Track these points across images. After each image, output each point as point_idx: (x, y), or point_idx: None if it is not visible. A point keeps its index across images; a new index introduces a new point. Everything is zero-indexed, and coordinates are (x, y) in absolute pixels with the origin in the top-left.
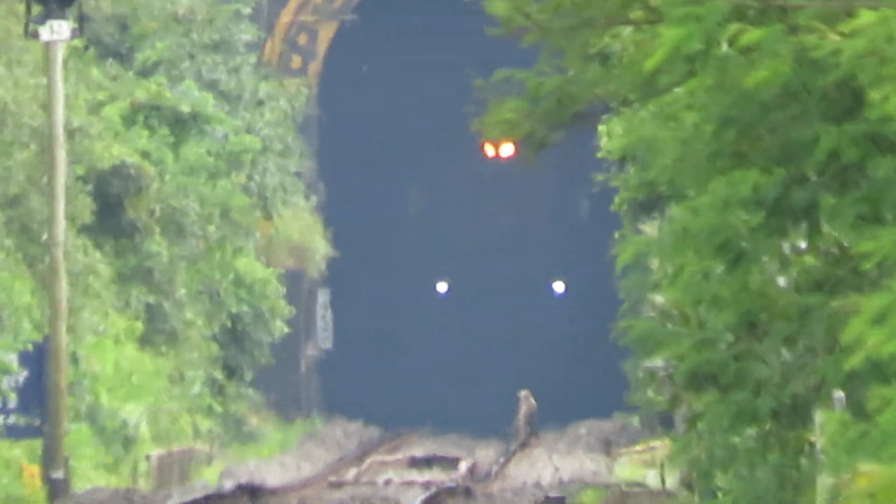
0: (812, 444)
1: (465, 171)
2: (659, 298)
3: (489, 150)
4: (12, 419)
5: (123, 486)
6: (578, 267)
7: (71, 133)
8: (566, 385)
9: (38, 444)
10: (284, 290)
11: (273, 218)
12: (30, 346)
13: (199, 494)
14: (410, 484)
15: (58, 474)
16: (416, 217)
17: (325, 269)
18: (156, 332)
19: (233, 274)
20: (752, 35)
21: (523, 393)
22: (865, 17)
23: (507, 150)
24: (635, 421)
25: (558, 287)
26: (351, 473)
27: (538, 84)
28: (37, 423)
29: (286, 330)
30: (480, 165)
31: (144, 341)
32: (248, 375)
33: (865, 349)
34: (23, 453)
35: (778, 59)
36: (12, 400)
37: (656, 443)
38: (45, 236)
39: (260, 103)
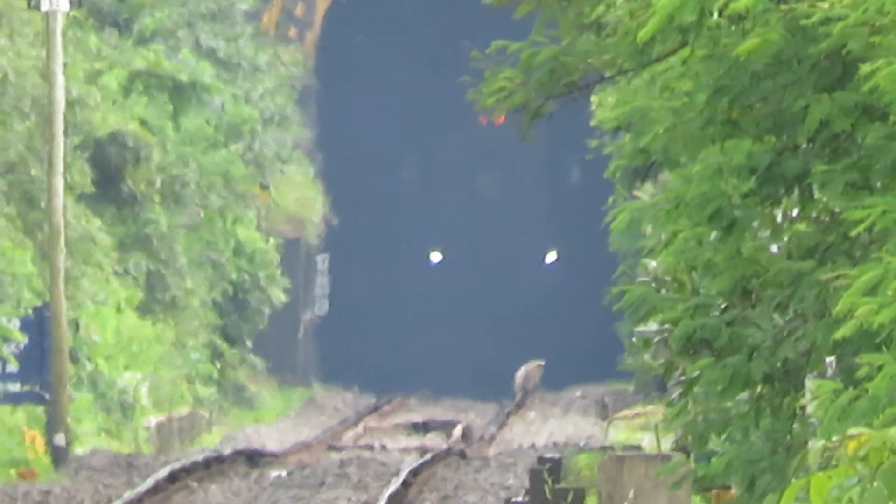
0: (804, 409)
1: (460, 140)
2: (652, 263)
3: (483, 120)
4: (13, 385)
5: (126, 451)
6: (570, 234)
7: (70, 103)
8: (560, 351)
9: (39, 409)
10: (283, 257)
11: (270, 187)
12: (30, 313)
13: (198, 458)
14: (406, 448)
15: (59, 440)
16: (409, 186)
17: (323, 236)
18: (156, 299)
19: (233, 242)
20: (741, 3)
21: (534, 363)
22: None
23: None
24: (629, 386)
25: (550, 255)
26: (348, 438)
27: (532, 54)
28: (37, 389)
29: (284, 299)
30: (475, 135)
31: (144, 309)
32: (248, 342)
33: (857, 318)
34: (24, 419)
35: (768, 28)
36: (13, 366)
37: (651, 407)
38: (44, 204)
39: (258, 70)
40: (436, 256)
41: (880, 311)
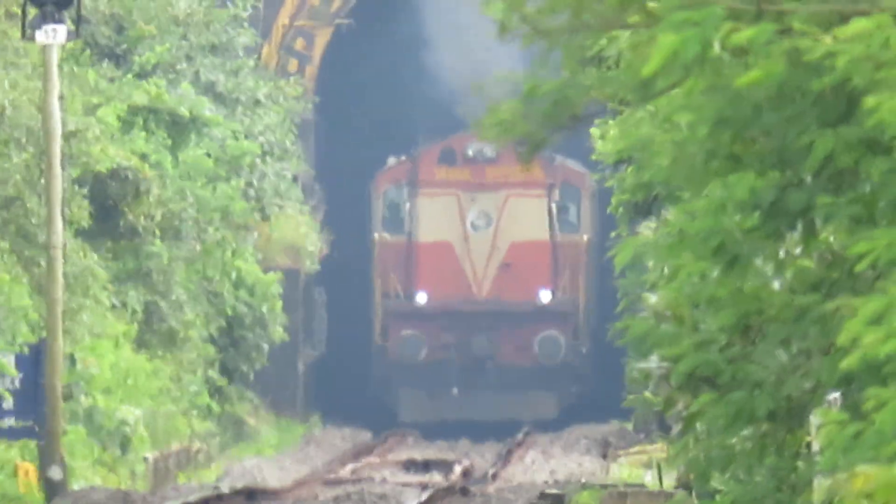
0: (809, 446)
1: (456, 175)
2: (653, 299)
3: (477, 153)
4: (8, 421)
5: (122, 486)
6: (568, 273)
7: (67, 136)
8: (561, 389)
9: (33, 445)
10: (282, 292)
11: (269, 220)
12: (25, 349)
13: (196, 495)
14: (406, 485)
15: (55, 474)
16: (402, 220)
17: (322, 270)
18: (153, 333)
19: (235, 274)
20: (743, 35)
21: None
22: (860, 23)
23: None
24: (629, 425)
25: (545, 293)
26: (346, 473)
27: (534, 86)
28: (32, 424)
29: (284, 336)
30: (469, 169)
31: (141, 343)
32: (246, 377)
33: (862, 349)
34: (18, 454)
35: (771, 60)
36: (8, 402)
37: (653, 445)
38: (42, 238)
39: (257, 103)
40: (421, 297)
41: (887, 341)
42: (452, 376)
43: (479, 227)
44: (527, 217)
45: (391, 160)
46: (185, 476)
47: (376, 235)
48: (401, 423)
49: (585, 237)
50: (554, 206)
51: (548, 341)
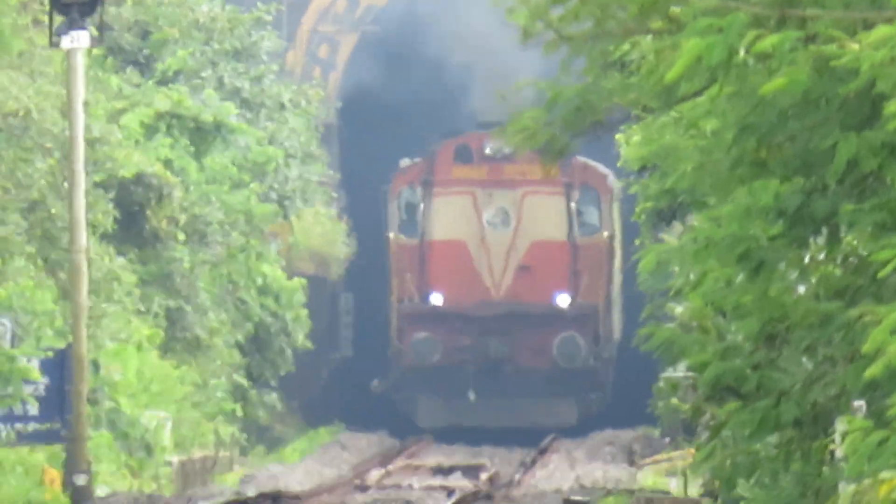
0: (833, 453)
1: (472, 174)
2: (678, 308)
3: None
4: (34, 426)
5: (146, 490)
6: (587, 276)
7: (91, 141)
8: (580, 395)
9: (59, 450)
10: (307, 298)
11: (290, 222)
12: (51, 354)
13: (221, 500)
14: (432, 489)
15: (80, 480)
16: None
17: (348, 275)
18: (178, 338)
19: (261, 279)
20: (768, 41)
21: None
22: (884, 29)
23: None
24: (656, 432)
25: (562, 297)
26: (372, 479)
27: (557, 92)
28: (58, 429)
29: (308, 344)
30: (488, 167)
31: (166, 348)
32: (271, 382)
33: (886, 357)
34: (44, 459)
35: (796, 67)
36: (34, 407)
37: (679, 452)
38: (66, 243)
39: (282, 107)
40: (436, 298)
41: None
42: (469, 380)
43: (497, 226)
44: (545, 216)
45: (404, 161)
46: (210, 481)
47: (392, 236)
48: (419, 428)
49: (606, 234)
50: (573, 206)
51: (567, 343)
